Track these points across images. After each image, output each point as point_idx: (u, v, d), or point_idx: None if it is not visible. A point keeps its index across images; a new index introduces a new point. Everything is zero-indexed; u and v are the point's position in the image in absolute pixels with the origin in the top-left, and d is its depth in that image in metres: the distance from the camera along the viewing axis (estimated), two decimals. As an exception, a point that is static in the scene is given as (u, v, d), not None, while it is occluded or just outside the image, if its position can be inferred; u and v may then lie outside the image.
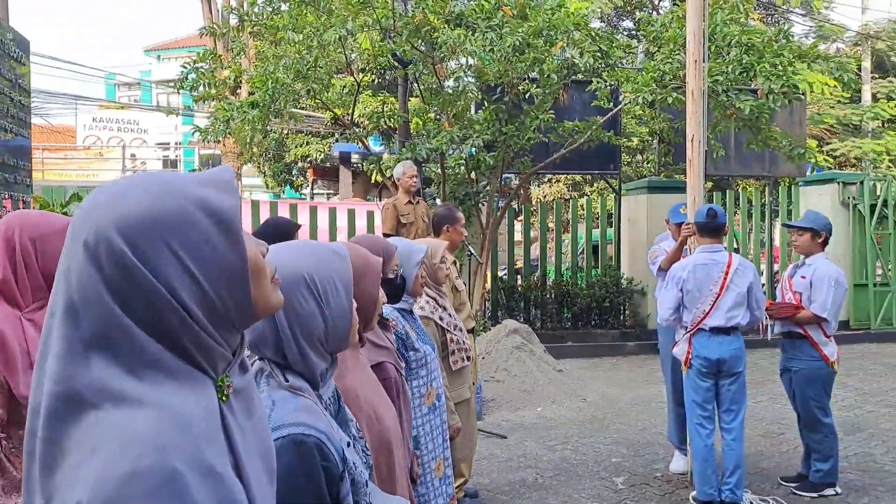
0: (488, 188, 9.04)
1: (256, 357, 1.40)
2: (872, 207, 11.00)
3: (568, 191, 20.93)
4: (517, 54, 7.15)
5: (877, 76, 25.57)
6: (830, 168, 19.68)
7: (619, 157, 10.55)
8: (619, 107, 8.61)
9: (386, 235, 6.83)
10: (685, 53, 7.42)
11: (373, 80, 10.57)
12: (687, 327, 4.28)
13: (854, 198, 11.05)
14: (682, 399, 4.94)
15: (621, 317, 10.32)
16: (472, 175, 8.79)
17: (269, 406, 1.27)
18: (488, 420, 6.27)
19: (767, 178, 11.71)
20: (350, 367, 1.81)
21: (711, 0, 7.90)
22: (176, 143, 30.05)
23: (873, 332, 10.68)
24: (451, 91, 7.90)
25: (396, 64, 8.34)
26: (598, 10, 19.38)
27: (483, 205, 9.22)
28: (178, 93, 9.53)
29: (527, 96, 7.88)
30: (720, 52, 7.66)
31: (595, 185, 18.84)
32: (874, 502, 4.41)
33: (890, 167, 25.94)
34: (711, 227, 4.27)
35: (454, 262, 4.18)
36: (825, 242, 4.55)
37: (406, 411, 2.29)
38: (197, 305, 0.86)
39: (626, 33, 26.65)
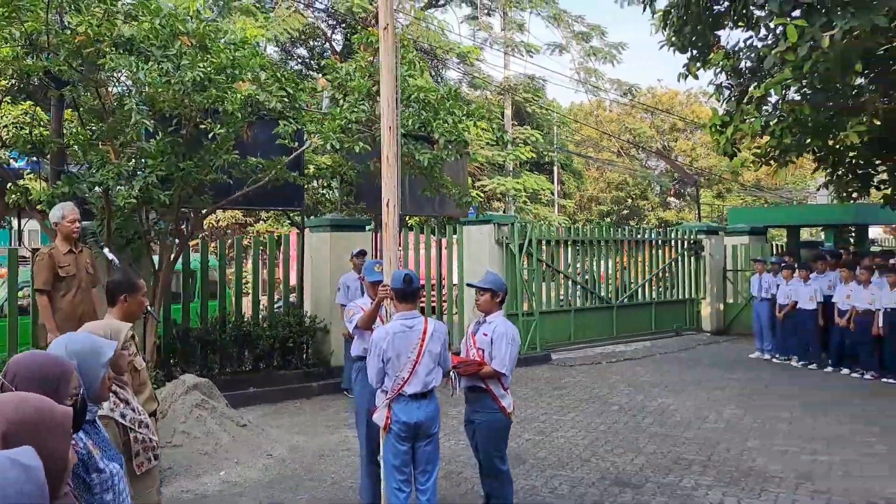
0: (161, 227, 8.28)
1: None
2: (521, 246, 12.48)
3: (242, 216, 20.27)
4: (197, 90, 6.66)
5: (515, 123, 29.40)
6: (481, 201, 22.05)
7: (302, 195, 10.46)
8: (303, 147, 8.52)
9: (38, 291, 5.85)
10: (371, 104, 7.69)
11: (13, 86, 9.08)
12: (387, 392, 4.32)
13: (507, 237, 12.43)
14: (374, 456, 4.99)
15: (304, 356, 10.21)
16: (143, 213, 7.98)
17: None
18: (166, 493, 5.65)
19: (437, 216, 12.60)
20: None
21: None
22: None
23: (521, 357, 12.05)
24: (119, 117, 7.08)
25: (49, 82, 7.24)
26: (274, 37, 19.22)
27: (155, 244, 8.44)
28: None
29: (208, 133, 7.40)
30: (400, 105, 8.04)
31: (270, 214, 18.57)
32: (543, 537, 4.88)
33: (527, 202, 30.01)
34: (408, 293, 4.38)
35: (132, 337, 3.66)
36: (502, 301, 4.95)
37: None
38: None
39: (300, 60, 26.99)
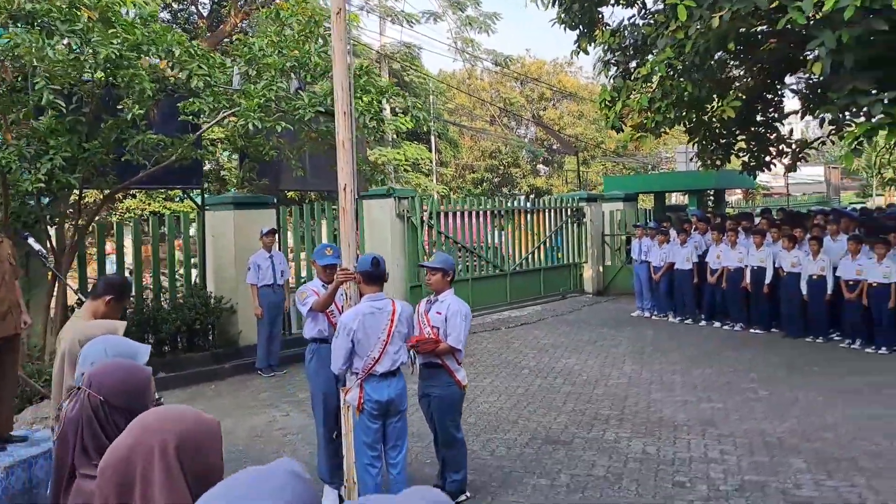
0: (62, 209, 7.84)
1: None
2: (422, 220, 12.73)
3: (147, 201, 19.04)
4: (111, 67, 6.33)
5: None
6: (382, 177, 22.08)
7: (201, 172, 10.15)
8: (210, 124, 8.28)
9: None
10: (287, 82, 7.60)
11: None
12: (357, 374, 4.47)
13: (408, 210, 12.62)
14: (331, 435, 5.14)
15: (211, 338, 10.01)
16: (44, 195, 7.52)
17: None
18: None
19: (334, 190, 12.54)
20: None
21: (299, 31, 8.19)
22: None
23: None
24: (23, 97, 6.60)
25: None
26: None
27: (51, 226, 7.98)
28: None
29: (114, 111, 7.05)
30: (315, 80, 7.99)
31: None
32: (495, 498, 5.24)
33: (408, 170, 30.22)
34: (375, 276, 4.53)
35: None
36: (452, 279, 5.19)
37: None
38: None
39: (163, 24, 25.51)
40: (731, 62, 12.47)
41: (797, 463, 5.61)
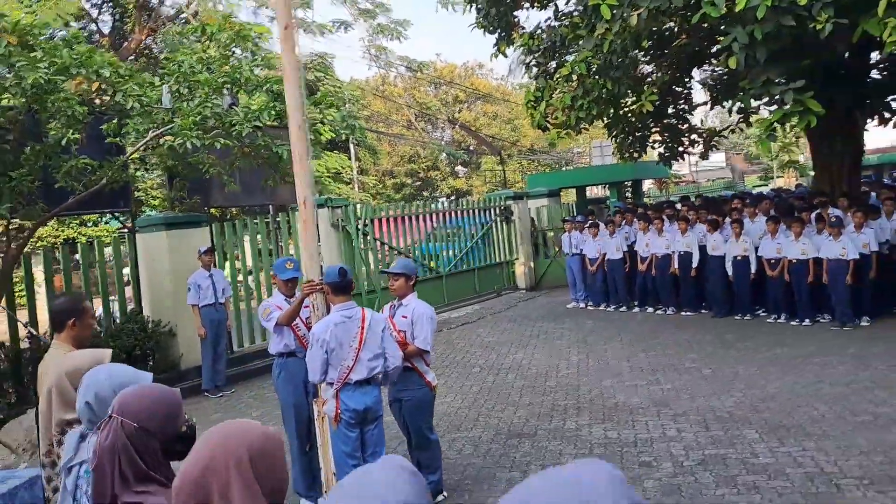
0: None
1: None
2: (357, 228, 12.71)
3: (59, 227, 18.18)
4: (40, 93, 6.10)
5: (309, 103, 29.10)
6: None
7: (129, 195, 9.84)
8: (140, 144, 8.06)
9: None
10: (220, 97, 7.49)
11: None
12: (332, 384, 4.47)
13: (342, 219, 12.58)
14: (305, 448, 5.12)
15: (151, 363, 9.70)
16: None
17: None
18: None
19: (267, 205, 12.40)
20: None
21: (225, 46, 8.08)
22: None
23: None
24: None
25: None
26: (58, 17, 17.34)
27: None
28: None
29: (38, 136, 6.79)
30: (249, 95, 7.90)
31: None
32: (472, 495, 5.33)
33: (329, 181, 29.98)
34: (343, 286, 4.54)
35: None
36: (415, 284, 5.26)
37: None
38: None
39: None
40: (643, 59, 12.98)
41: (750, 434, 5.94)
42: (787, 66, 8.52)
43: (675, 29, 11.15)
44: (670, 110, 15.18)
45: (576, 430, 6.54)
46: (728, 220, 11.63)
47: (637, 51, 10.83)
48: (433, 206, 15.83)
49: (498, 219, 16.99)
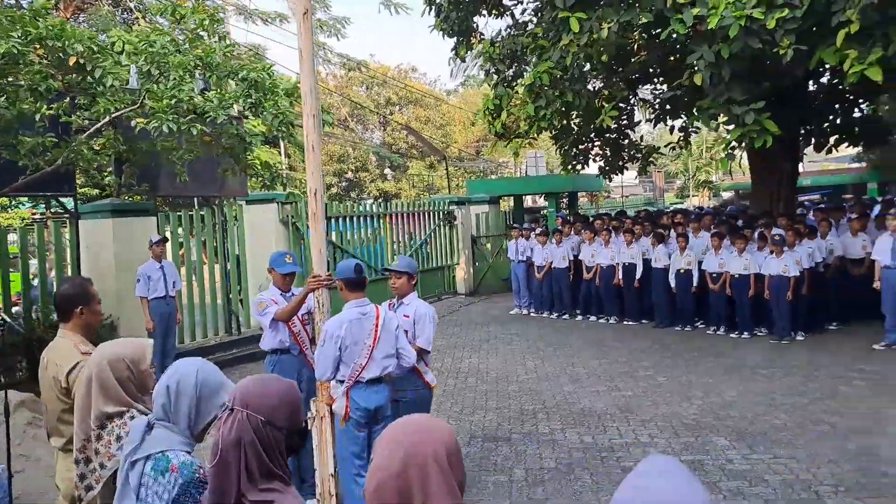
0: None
1: None
2: (307, 225, 12.45)
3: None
4: (10, 63, 5.69)
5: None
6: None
7: (74, 179, 9.31)
8: (98, 125, 7.64)
9: None
10: (194, 82, 7.21)
11: None
12: (342, 381, 4.36)
13: (291, 216, 12.31)
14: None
15: (92, 356, 9.20)
16: None
17: None
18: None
19: (217, 197, 11.99)
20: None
21: (193, 30, 7.77)
22: None
23: (317, 335, 12.13)
24: None
25: None
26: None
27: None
28: None
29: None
30: (220, 83, 7.63)
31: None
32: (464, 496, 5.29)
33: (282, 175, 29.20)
34: (359, 282, 4.44)
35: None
36: (416, 283, 5.20)
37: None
38: None
39: None
40: (597, 75, 13.29)
41: (720, 441, 6.16)
42: (748, 87, 8.92)
43: (635, 46, 11.48)
44: (613, 125, 15.59)
45: (550, 433, 6.61)
46: (673, 233, 12.04)
47: (599, 65, 11.09)
48: (386, 206, 15.66)
49: (442, 223, 17.03)
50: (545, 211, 23.32)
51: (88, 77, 6.33)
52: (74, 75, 6.34)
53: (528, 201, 27.50)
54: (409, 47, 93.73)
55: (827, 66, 8.54)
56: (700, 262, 11.37)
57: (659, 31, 9.02)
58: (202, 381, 2.34)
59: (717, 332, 11.06)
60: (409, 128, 26.87)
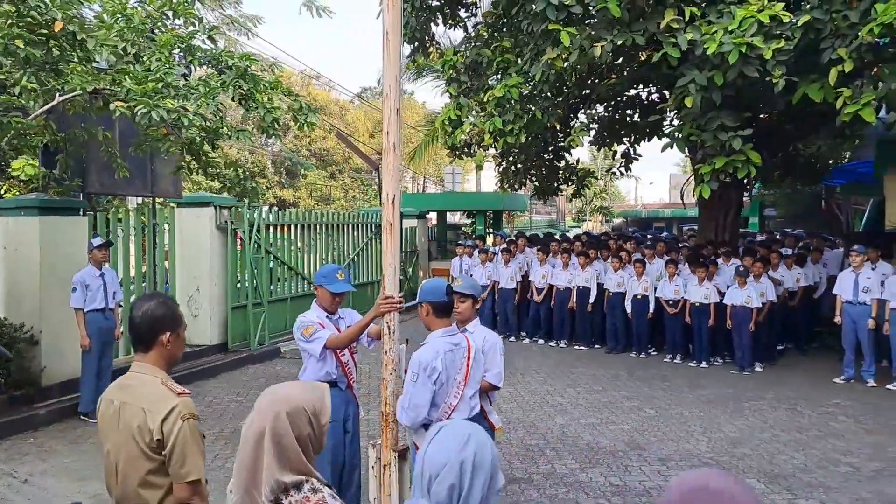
0: None
1: None
2: (250, 234, 11.41)
3: None
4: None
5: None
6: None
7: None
8: (49, 105, 6.48)
9: None
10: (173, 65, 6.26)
11: None
12: (428, 425, 3.66)
13: (230, 221, 11.23)
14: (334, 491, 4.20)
15: (7, 376, 7.84)
16: None
17: None
18: None
19: (148, 196, 10.73)
20: None
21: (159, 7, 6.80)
22: None
23: (255, 353, 11.09)
24: None
25: None
26: None
27: None
28: None
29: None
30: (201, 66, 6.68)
31: None
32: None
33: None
34: (449, 307, 3.77)
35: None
36: (479, 308, 4.57)
37: None
38: None
39: None
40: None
41: (755, 483, 5.87)
42: (737, 114, 8.88)
43: (604, 68, 11.35)
44: (550, 148, 15.44)
45: (571, 474, 6.11)
46: (634, 258, 11.93)
47: (570, 83, 10.85)
48: (326, 216, 14.65)
49: (373, 236, 16.27)
50: (466, 228, 22.99)
51: (77, 48, 5.25)
52: (58, 42, 5.23)
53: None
54: (320, 51, 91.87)
55: (805, 102, 8.61)
56: (655, 288, 11.31)
57: (653, 52, 8.84)
58: (495, 452, 1.70)
59: (674, 360, 10.99)
60: (340, 135, 25.72)
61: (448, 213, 22.85)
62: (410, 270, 17.31)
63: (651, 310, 11.28)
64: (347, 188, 44.33)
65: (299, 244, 13.52)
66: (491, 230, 20.31)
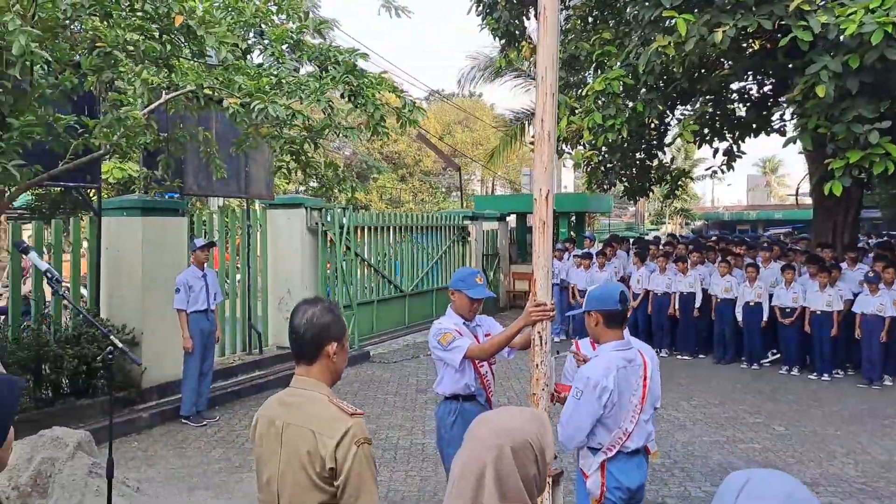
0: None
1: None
2: (340, 237, 11.22)
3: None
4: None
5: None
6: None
7: (99, 170, 7.91)
8: (172, 95, 6.32)
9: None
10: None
11: None
12: (599, 449, 3.21)
13: (321, 223, 11.04)
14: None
15: (110, 378, 7.74)
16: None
17: None
18: None
19: (242, 198, 10.62)
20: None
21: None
22: None
23: (346, 357, 10.84)
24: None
25: None
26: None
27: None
28: None
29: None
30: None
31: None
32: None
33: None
34: (623, 315, 3.32)
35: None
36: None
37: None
38: None
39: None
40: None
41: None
42: (875, 104, 8.10)
43: (714, 58, 10.65)
44: (642, 146, 14.74)
45: (709, 498, 5.55)
46: (745, 262, 11.17)
47: (679, 75, 10.20)
48: (412, 218, 14.37)
49: (455, 239, 15.90)
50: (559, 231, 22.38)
51: (191, 43, 5.03)
52: (171, 36, 5.02)
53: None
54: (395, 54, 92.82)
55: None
56: (770, 295, 10.54)
57: (782, 36, 8.13)
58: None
59: (791, 373, 10.18)
60: (422, 137, 25.49)
61: (528, 216, 22.28)
62: (492, 274, 16.88)
63: (766, 318, 10.51)
64: (416, 191, 44.28)
65: (387, 247, 13.27)
66: (573, 233, 19.67)
